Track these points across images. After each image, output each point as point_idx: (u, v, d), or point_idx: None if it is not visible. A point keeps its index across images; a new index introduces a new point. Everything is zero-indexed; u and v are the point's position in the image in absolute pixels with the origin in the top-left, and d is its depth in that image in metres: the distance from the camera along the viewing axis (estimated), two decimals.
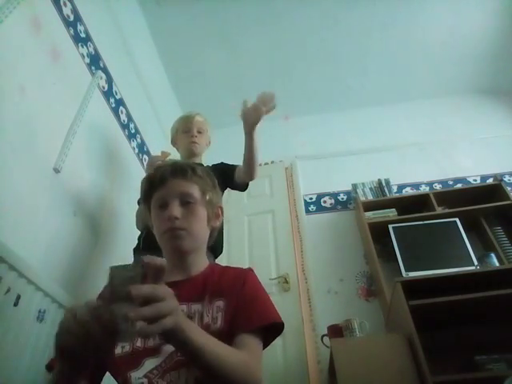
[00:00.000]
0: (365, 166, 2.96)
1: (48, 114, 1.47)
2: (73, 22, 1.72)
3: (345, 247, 2.63)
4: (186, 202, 0.86)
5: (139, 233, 1.70)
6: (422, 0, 2.63)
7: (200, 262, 0.89)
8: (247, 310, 0.77)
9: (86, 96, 1.73)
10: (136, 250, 1.58)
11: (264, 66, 3.02)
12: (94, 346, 0.53)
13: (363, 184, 2.77)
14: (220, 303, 0.78)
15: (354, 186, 2.78)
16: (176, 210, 0.84)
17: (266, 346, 0.79)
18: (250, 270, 0.88)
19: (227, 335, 0.73)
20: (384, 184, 2.74)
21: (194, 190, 0.88)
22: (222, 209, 0.97)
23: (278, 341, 2.39)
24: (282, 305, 2.32)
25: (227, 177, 1.68)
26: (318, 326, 2.26)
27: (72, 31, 1.70)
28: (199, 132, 1.85)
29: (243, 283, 0.82)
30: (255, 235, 2.70)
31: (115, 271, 0.56)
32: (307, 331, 2.25)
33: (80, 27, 1.78)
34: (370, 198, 2.68)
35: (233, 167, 1.72)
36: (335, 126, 3.31)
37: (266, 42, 2.84)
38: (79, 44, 1.76)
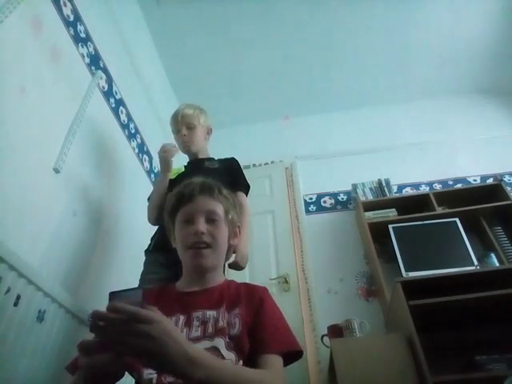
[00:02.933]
0: (365, 166, 2.96)
1: (48, 114, 1.47)
2: (73, 22, 1.72)
3: (345, 247, 2.63)
4: (211, 220, 0.90)
5: (140, 232, 1.70)
6: (422, 0, 2.63)
7: (217, 278, 0.92)
8: (272, 332, 0.80)
9: (86, 96, 1.73)
10: (147, 252, 1.57)
11: (264, 66, 3.02)
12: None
13: (363, 184, 2.77)
14: (237, 311, 0.81)
15: (354, 186, 2.78)
16: (202, 225, 0.87)
17: None
18: (266, 288, 0.92)
19: (244, 339, 0.77)
20: (384, 184, 2.74)
21: (219, 209, 0.92)
22: (240, 228, 1.01)
23: None
24: (282, 305, 2.32)
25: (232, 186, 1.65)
26: (318, 326, 2.26)
27: (72, 31, 1.70)
28: (189, 128, 1.75)
29: (262, 300, 0.86)
30: (255, 235, 2.70)
31: (113, 296, 0.56)
32: (307, 331, 2.25)
33: (80, 27, 1.78)
34: (370, 198, 2.68)
35: (234, 185, 1.60)
36: (335, 125, 3.31)
37: (266, 42, 2.84)
38: (79, 44, 1.76)
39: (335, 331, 1.94)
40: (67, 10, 1.67)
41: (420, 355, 1.61)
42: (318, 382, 2.10)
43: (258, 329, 0.79)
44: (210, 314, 0.81)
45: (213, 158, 1.79)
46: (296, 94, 3.26)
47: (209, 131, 1.85)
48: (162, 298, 0.89)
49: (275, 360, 0.77)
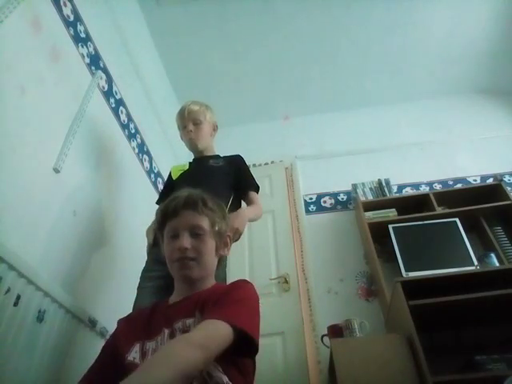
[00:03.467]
0: (365, 166, 2.96)
1: (48, 114, 1.47)
2: (73, 22, 1.72)
3: (345, 247, 2.63)
4: (196, 234, 0.91)
5: (140, 231, 1.70)
6: (422, 0, 2.63)
7: (205, 286, 0.93)
8: (222, 304, 0.78)
9: (86, 96, 1.73)
10: (150, 247, 1.53)
11: (264, 65, 3.02)
12: None
13: (363, 184, 2.77)
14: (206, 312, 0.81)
15: (354, 186, 2.78)
16: (186, 241, 0.88)
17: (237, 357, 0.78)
18: (244, 280, 0.92)
19: None
20: (384, 184, 2.74)
21: (204, 222, 0.92)
22: (230, 237, 1.02)
23: (277, 341, 2.39)
24: (282, 305, 2.32)
25: (238, 187, 1.65)
26: (318, 326, 2.26)
27: (72, 31, 1.70)
28: (195, 124, 1.73)
29: (230, 288, 0.86)
30: (255, 235, 2.70)
31: None
32: (307, 331, 2.25)
33: (80, 27, 1.78)
34: (370, 198, 2.68)
35: (246, 186, 1.67)
36: (335, 126, 3.31)
37: (266, 41, 2.84)
38: (79, 44, 1.76)
39: (335, 331, 1.94)
40: (67, 10, 1.67)
41: (420, 355, 1.61)
42: (317, 382, 2.10)
43: (214, 305, 0.78)
44: (189, 322, 0.81)
45: (218, 156, 1.79)
46: (296, 94, 3.25)
47: (215, 128, 1.84)
48: (153, 317, 0.90)
49: (212, 322, 0.70)
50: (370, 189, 2.74)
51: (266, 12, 2.65)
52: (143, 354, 0.82)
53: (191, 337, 0.67)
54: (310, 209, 2.88)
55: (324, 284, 2.48)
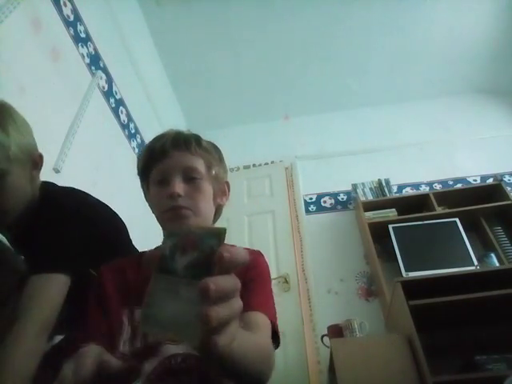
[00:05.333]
0: (365, 166, 2.96)
1: (48, 114, 1.47)
2: (73, 22, 1.72)
3: (345, 247, 2.63)
4: (190, 178, 0.76)
5: (140, 231, 1.70)
6: (422, 0, 2.63)
7: None
8: (260, 292, 0.70)
9: (86, 96, 1.73)
10: None
11: (264, 65, 3.02)
12: None
13: (363, 184, 2.77)
14: None
15: (354, 186, 2.78)
16: (178, 186, 0.73)
17: None
18: (260, 253, 0.80)
19: None
20: (384, 184, 2.74)
21: (199, 164, 0.77)
22: (228, 184, 0.87)
23: None
24: (282, 305, 2.32)
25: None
26: (318, 326, 2.26)
27: (72, 31, 1.70)
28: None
29: (255, 266, 0.74)
30: (255, 235, 2.70)
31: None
32: (307, 331, 2.26)
33: (80, 27, 1.78)
34: (370, 198, 2.68)
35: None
36: (335, 126, 3.31)
37: (266, 41, 2.84)
38: (79, 44, 1.76)
39: (335, 331, 1.94)
40: (67, 10, 1.67)
41: (420, 355, 1.61)
42: (317, 382, 2.10)
43: (246, 288, 0.67)
44: None
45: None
46: (296, 93, 3.25)
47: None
48: (145, 273, 0.69)
49: (261, 317, 0.64)
50: (370, 189, 2.74)
51: (267, 12, 2.64)
52: (133, 329, 0.66)
53: (270, 346, 0.60)
54: (309, 209, 2.88)
55: (324, 284, 2.48)
